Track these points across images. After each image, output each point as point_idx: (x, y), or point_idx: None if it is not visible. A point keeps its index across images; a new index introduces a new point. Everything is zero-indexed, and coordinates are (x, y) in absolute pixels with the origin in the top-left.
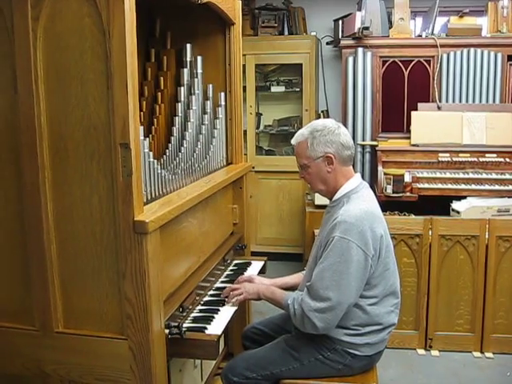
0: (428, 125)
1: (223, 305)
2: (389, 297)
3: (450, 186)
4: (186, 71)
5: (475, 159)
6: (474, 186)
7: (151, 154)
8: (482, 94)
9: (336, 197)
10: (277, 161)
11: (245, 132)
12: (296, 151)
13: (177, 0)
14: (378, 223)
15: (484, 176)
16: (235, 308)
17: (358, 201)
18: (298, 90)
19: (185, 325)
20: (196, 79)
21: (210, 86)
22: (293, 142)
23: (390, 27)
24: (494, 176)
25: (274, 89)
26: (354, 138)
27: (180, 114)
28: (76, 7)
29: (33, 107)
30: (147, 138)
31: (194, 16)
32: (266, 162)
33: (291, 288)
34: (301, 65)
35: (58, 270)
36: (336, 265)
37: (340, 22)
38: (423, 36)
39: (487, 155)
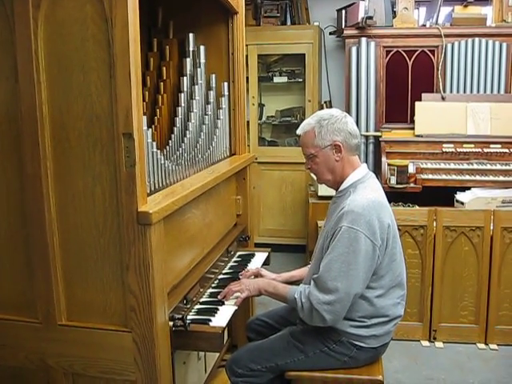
0: (432, 115)
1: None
2: (395, 288)
3: (454, 176)
4: (188, 61)
5: (479, 150)
6: (478, 177)
7: (154, 144)
8: (486, 84)
9: (342, 187)
10: (279, 152)
11: (247, 123)
12: (302, 141)
13: None
14: (385, 213)
15: (488, 167)
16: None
17: (365, 190)
18: (300, 80)
19: (189, 317)
20: (199, 69)
21: (213, 75)
22: (299, 131)
23: (394, 17)
24: (498, 167)
25: (276, 79)
26: None
27: (183, 105)
28: None
29: (34, 97)
30: (150, 129)
31: (196, 5)
32: (269, 153)
33: (297, 282)
34: (304, 55)
35: (61, 262)
36: (344, 255)
37: (343, 11)
38: (427, 26)
39: (492, 146)
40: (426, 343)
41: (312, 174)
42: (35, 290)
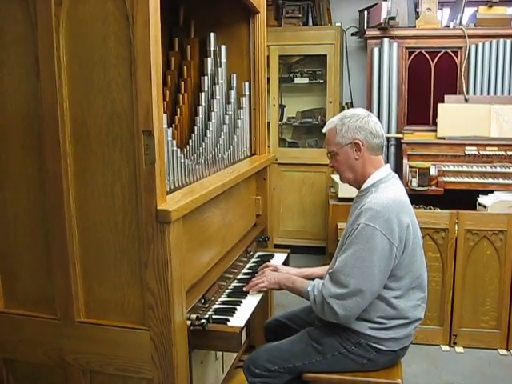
0: (455, 117)
1: (246, 296)
2: (415, 290)
3: (476, 179)
4: (209, 60)
5: (503, 153)
6: (501, 181)
7: (174, 142)
8: (510, 86)
9: (364, 186)
10: (300, 153)
11: (268, 124)
12: (326, 139)
13: None
14: (405, 213)
15: None
16: (258, 300)
17: (387, 190)
18: (321, 81)
19: (207, 316)
20: (220, 68)
21: (234, 75)
22: (324, 130)
23: (417, 17)
24: None
25: (297, 80)
26: None
27: (203, 104)
28: None
29: (55, 94)
30: (170, 128)
31: (217, 5)
32: (289, 154)
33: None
34: (325, 56)
35: (80, 259)
36: (360, 252)
37: (365, 12)
38: (451, 26)
39: None
40: (445, 348)
41: (333, 175)
42: (54, 286)
